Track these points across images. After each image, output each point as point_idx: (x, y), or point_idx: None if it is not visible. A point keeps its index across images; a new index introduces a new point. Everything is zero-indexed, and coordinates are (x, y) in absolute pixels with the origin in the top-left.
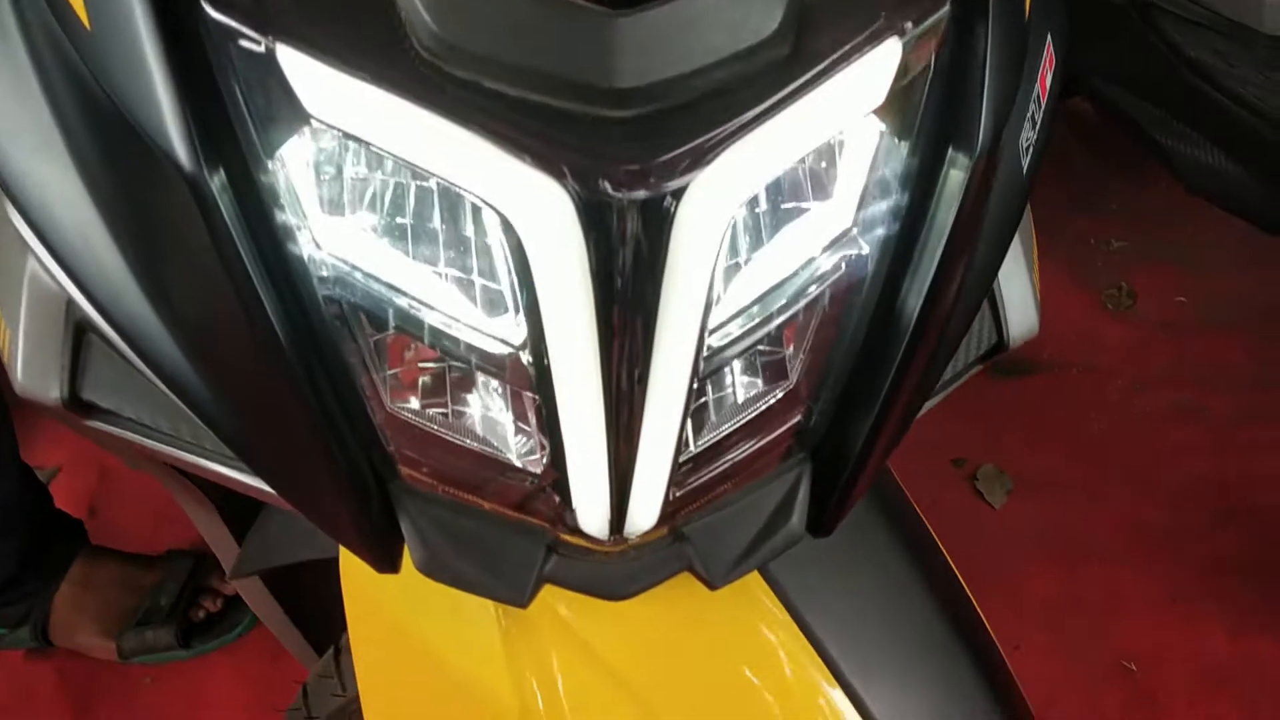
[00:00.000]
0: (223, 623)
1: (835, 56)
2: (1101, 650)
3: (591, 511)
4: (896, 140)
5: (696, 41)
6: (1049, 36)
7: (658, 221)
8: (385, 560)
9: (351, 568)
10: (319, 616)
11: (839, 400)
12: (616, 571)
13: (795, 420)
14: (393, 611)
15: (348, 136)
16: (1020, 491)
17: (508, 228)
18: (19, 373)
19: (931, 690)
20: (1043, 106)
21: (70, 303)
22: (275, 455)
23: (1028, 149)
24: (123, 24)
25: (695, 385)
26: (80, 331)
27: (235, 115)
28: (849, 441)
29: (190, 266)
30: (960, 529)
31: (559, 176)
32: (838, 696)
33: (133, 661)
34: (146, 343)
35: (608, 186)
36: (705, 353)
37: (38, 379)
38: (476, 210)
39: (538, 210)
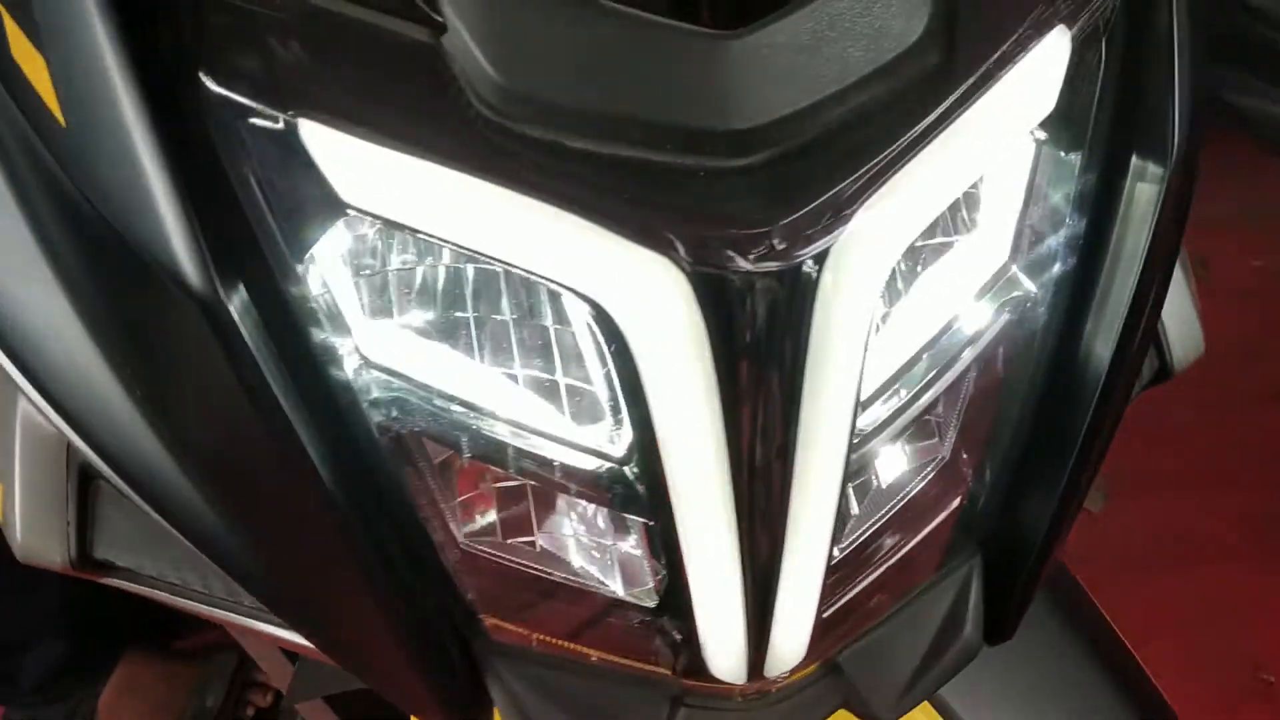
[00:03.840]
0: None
1: (995, 58)
2: (1234, 661)
3: (724, 650)
4: (1062, 153)
5: (827, 60)
6: None
7: (799, 295)
8: None
9: None
10: None
11: (1011, 475)
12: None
13: (957, 506)
14: None
15: (394, 225)
16: (1118, 494)
17: (603, 319)
18: (18, 533)
19: None
20: None
21: (72, 446)
22: (325, 616)
23: None
24: (104, 114)
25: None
26: (86, 479)
27: (253, 215)
28: (1028, 522)
29: (208, 401)
30: None
31: (670, 251)
32: None
33: None
34: (161, 491)
35: (734, 258)
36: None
37: (40, 539)
38: (556, 296)
39: (644, 297)
